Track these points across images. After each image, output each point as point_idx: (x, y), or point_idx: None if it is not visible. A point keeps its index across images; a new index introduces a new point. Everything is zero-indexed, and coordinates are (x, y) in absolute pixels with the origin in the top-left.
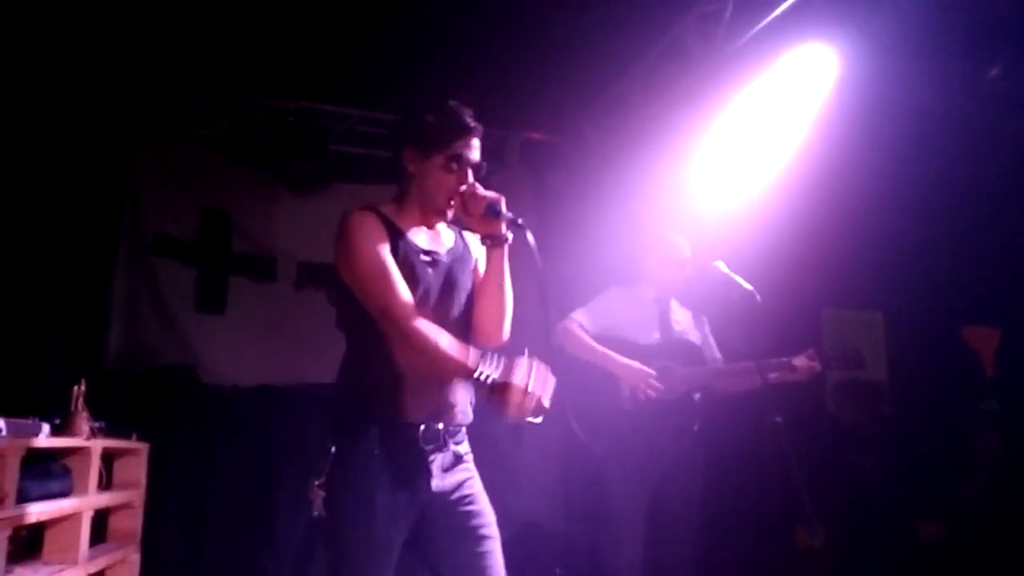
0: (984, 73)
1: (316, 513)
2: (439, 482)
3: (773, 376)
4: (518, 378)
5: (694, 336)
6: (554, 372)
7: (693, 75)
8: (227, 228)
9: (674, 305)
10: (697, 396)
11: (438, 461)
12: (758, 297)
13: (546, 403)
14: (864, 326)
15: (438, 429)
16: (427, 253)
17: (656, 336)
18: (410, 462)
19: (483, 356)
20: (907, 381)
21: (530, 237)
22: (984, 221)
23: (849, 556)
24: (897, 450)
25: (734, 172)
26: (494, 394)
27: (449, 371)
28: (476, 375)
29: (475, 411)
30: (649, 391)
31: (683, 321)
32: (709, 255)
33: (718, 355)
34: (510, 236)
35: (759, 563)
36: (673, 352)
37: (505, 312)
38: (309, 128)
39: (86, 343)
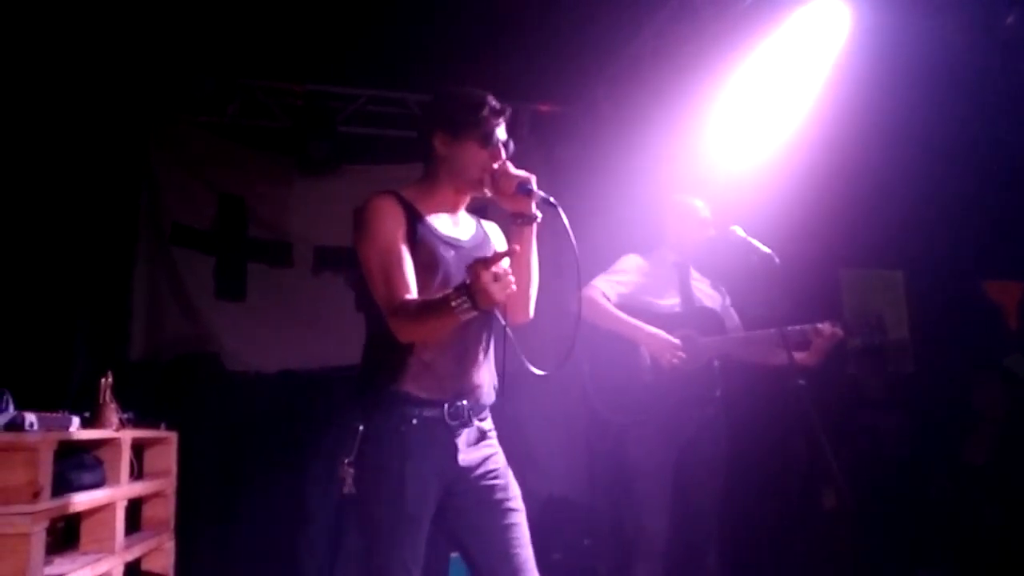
0: (1001, 20)
1: (346, 491)
2: (465, 457)
3: (799, 356)
4: (482, 275)
5: (714, 303)
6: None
7: (703, 35)
8: (243, 214)
9: (694, 272)
10: (717, 363)
11: (463, 437)
12: (777, 259)
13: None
14: (884, 285)
15: (463, 406)
16: (448, 238)
17: (677, 303)
18: (437, 438)
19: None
20: (929, 339)
21: (563, 215)
22: (1003, 173)
23: (874, 517)
24: (920, 409)
25: (749, 133)
26: (477, 299)
27: (445, 321)
28: (455, 305)
29: (500, 391)
30: (674, 361)
31: (703, 288)
32: (726, 219)
33: (738, 323)
34: (539, 215)
35: (785, 526)
36: (694, 320)
37: (531, 291)
38: (319, 110)
39: (111, 335)
